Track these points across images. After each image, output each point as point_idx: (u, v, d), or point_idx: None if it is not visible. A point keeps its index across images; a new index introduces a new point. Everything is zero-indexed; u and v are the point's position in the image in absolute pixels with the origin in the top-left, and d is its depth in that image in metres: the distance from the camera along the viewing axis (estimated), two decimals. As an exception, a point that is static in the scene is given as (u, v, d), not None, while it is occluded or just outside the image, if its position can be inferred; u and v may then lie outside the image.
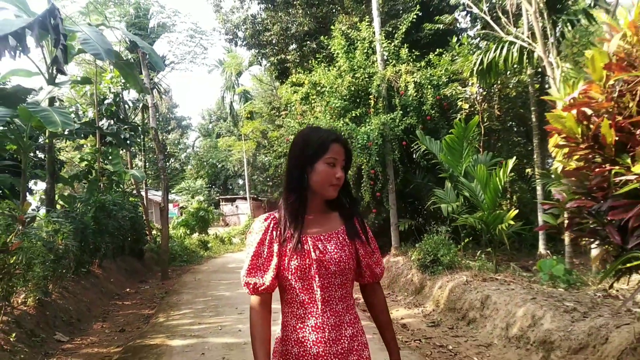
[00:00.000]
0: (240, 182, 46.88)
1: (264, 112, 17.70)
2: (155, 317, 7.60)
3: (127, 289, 10.78)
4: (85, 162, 12.44)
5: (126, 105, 14.92)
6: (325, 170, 1.77)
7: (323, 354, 1.72)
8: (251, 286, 1.79)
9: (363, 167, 10.21)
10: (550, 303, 4.94)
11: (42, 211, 10.85)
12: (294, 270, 1.75)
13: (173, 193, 32.87)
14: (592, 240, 3.35)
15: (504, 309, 5.42)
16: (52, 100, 8.89)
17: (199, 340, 5.86)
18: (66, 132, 9.85)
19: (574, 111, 3.13)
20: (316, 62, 11.72)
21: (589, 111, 3.15)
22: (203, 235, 23.42)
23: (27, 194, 12.17)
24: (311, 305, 1.76)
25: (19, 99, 8.84)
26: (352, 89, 10.90)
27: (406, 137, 10.28)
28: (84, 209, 9.42)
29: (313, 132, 1.87)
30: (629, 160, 2.86)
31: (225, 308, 7.84)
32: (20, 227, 5.97)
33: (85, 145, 15.79)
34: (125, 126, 13.46)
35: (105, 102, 13.35)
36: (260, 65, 16.35)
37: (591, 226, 3.20)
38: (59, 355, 6.00)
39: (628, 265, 2.85)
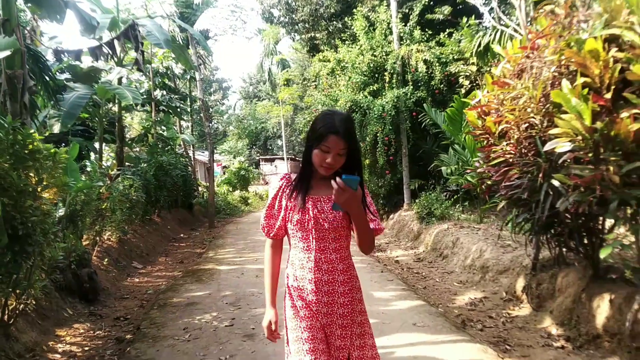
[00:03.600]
0: (280, 142, 48.84)
1: (298, 80, 19.42)
2: (206, 253, 9.74)
3: (181, 235, 13.02)
4: (144, 128, 14.59)
5: (176, 78, 16.96)
6: (318, 154, 2.01)
7: (317, 290, 2.06)
8: (265, 230, 2.20)
9: (378, 134, 11.90)
10: (494, 242, 6.70)
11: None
12: (295, 223, 2.08)
13: (216, 153, 35.20)
14: (491, 194, 5.07)
15: (466, 247, 7.20)
16: (120, 80, 10.90)
17: (239, 267, 7.93)
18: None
19: (479, 109, 4.83)
20: (340, 41, 13.33)
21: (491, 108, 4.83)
22: (244, 192, 25.68)
23: (92, 153, 14.43)
24: (309, 251, 2.07)
25: (93, 78, 10.89)
26: (371, 65, 12.50)
27: (417, 108, 11.89)
28: (147, 168, 11.54)
29: (322, 118, 2.05)
30: (504, 143, 4.55)
31: (261, 248, 9.84)
32: (109, 182, 8.06)
33: (134, 109, 17.89)
34: (176, 96, 15.48)
35: (158, 75, 15.36)
36: (293, 41, 18.06)
37: (489, 185, 4.94)
38: (138, 276, 8.14)
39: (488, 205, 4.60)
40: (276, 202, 2.16)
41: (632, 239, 3.81)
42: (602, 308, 3.91)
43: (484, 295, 5.74)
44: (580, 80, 3.43)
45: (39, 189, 4.32)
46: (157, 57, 15.49)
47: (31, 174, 4.29)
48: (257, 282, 6.71)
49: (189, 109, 19.35)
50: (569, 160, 3.53)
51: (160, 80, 15.72)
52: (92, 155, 13.85)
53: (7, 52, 5.24)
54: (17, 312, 4.40)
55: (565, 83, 3.50)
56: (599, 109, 3.37)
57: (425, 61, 11.83)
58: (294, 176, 2.19)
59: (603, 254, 3.30)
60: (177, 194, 14.23)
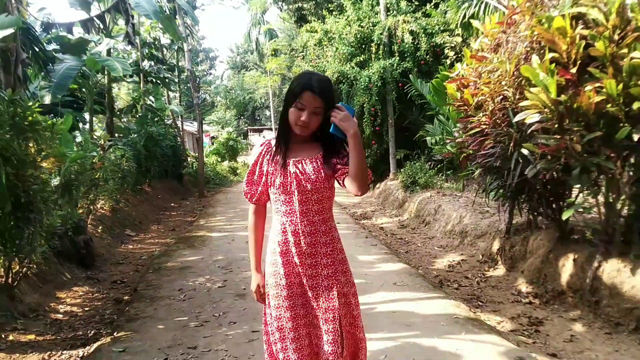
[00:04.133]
0: (268, 113, 48.81)
1: (286, 50, 19.43)
2: (197, 221, 10.02)
3: (172, 204, 13.25)
4: (133, 99, 14.64)
5: (164, 48, 16.93)
6: (293, 112, 2.00)
7: (298, 252, 2.08)
8: (248, 196, 2.23)
9: (365, 105, 12.11)
10: (473, 209, 7.04)
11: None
12: (277, 186, 2.08)
13: (205, 124, 35.14)
14: (469, 162, 5.36)
15: (447, 214, 7.54)
16: (109, 51, 10.93)
17: (230, 234, 8.22)
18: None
19: (458, 82, 5.08)
20: (328, 11, 13.40)
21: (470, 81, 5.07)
22: (233, 162, 25.84)
23: (81, 124, 14.49)
24: (292, 214, 2.07)
25: (81, 49, 10.89)
26: (358, 36, 12.64)
27: (403, 79, 12.08)
28: (137, 139, 11.68)
29: (298, 77, 2.07)
30: (480, 114, 4.82)
31: (250, 216, 10.16)
32: (102, 152, 8.24)
33: (122, 80, 17.87)
34: (164, 67, 15.50)
35: (146, 45, 15.34)
36: (281, 10, 18.02)
37: (468, 154, 5.23)
38: (132, 243, 8.41)
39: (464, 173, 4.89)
40: (257, 168, 2.18)
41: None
42: (567, 267, 4.25)
43: (462, 258, 6.09)
44: (548, 55, 3.68)
45: (38, 159, 4.53)
46: (145, 27, 15.44)
47: (30, 145, 4.49)
48: (247, 248, 6.95)
49: (176, 80, 19.37)
50: (537, 131, 3.81)
51: (148, 51, 15.70)
52: (81, 126, 13.91)
53: (11, 30, 5.34)
54: (20, 275, 4.66)
55: (535, 58, 3.75)
56: (565, 82, 3.63)
57: (411, 32, 11.99)
58: (274, 142, 2.18)
59: (565, 215, 3.61)
60: (167, 164, 14.39)
